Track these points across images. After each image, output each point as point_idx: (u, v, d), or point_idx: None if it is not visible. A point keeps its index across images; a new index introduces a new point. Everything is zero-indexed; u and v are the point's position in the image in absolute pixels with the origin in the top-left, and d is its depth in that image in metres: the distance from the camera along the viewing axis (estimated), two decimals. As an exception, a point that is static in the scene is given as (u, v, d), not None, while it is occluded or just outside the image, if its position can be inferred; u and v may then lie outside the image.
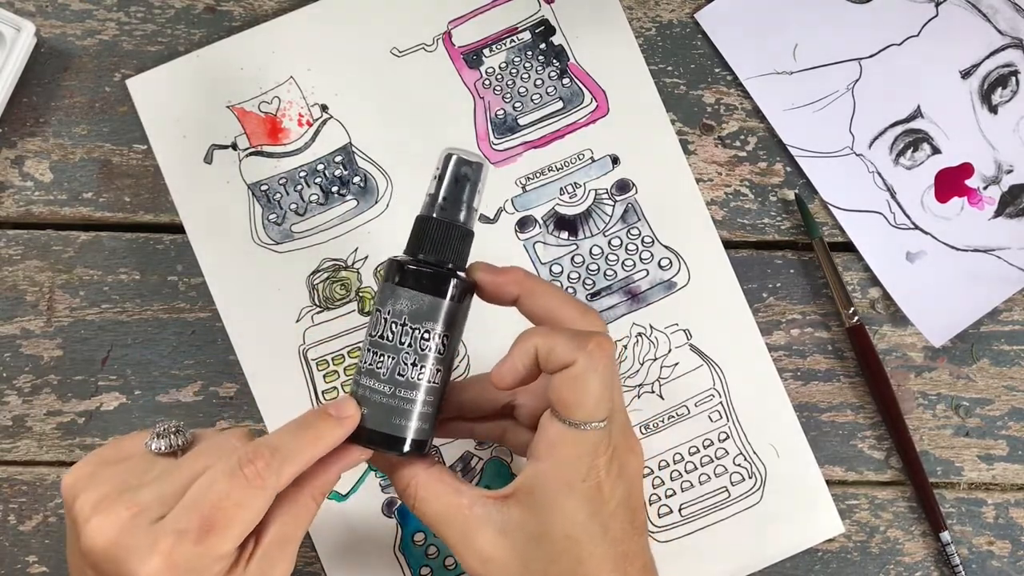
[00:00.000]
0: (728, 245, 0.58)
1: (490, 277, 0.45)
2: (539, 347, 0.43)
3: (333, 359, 0.56)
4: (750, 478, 0.56)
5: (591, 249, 0.58)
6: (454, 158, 0.44)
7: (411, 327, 0.43)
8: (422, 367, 0.43)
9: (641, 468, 0.46)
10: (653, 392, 0.56)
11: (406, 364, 0.43)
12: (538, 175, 0.58)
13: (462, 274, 0.44)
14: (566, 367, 0.42)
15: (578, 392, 0.42)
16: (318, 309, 0.57)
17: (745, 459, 0.56)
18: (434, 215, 0.44)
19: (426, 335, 0.43)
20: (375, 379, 0.43)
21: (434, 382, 0.43)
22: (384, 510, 0.55)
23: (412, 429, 0.43)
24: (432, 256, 0.44)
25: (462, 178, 0.44)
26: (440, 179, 0.44)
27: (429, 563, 0.55)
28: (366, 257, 0.57)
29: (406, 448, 0.43)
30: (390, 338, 0.43)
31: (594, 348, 0.42)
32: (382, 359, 0.43)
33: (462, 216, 0.44)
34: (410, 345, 0.43)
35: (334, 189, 0.57)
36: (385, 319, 0.43)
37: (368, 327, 0.44)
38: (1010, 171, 0.58)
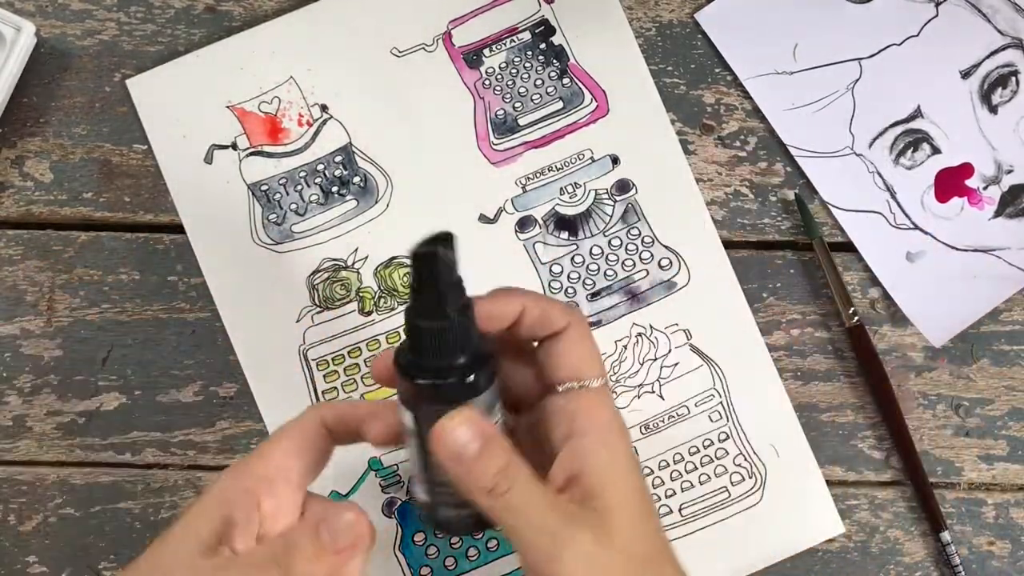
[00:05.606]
0: (728, 245, 0.58)
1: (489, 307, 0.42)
2: (528, 308, 0.42)
3: (333, 359, 0.56)
4: (750, 478, 0.56)
5: (591, 249, 0.58)
6: (423, 257, 0.39)
7: None
8: None
9: None
10: (653, 392, 0.56)
11: None
12: (538, 175, 0.58)
13: (482, 355, 0.41)
14: (557, 333, 0.42)
15: (584, 352, 0.43)
16: (318, 309, 0.57)
17: (745, 459, 0.56)
18: (433, 323, 0.39)
19: None
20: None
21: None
22: (384, 510, 0.56)
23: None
24: (447, 362, 0.40)
25: (439, 270, 0.39)
26: (419, 283, 0.39)
27: (429, 563, 0.55)
28: (366, 257, 0.57)
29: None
30: None
31: (579, 315, 0.44)
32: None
33: (453, 303, 0.39)
34: None
35: (334, 189, 0.57)
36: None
37: (418, 455, 0.42)
38: (1010, 171, 0.58)
